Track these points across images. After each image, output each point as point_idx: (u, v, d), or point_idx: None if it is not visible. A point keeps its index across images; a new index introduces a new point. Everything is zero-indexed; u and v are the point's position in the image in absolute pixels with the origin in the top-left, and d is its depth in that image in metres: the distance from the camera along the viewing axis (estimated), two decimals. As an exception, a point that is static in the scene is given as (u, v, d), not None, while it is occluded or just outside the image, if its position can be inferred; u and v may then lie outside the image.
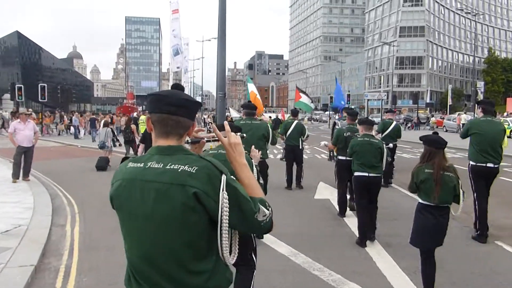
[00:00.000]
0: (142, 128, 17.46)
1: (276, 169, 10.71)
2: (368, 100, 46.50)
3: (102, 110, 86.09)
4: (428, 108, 69.99)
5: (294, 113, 11.21)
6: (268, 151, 7.48)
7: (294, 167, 10.36)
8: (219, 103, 11.61)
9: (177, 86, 1.92)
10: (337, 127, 10.23)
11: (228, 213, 1.64)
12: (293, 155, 10.32)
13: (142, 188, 1.69)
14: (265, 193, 7.09)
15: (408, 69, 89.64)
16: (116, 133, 22.36)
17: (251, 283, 3.72)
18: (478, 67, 62.96)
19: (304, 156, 11.02)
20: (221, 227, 1.66)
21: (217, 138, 1.91)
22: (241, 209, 1.67)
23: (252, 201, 1.71)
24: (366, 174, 6.07)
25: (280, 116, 24.45)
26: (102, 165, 13.38)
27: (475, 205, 6.51)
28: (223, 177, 1.66)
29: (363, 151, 6.10)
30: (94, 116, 29.44)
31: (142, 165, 1.73)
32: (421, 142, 4.49)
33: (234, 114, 31.27)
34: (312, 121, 67.04)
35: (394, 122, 11.05)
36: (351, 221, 7.12)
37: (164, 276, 1.69)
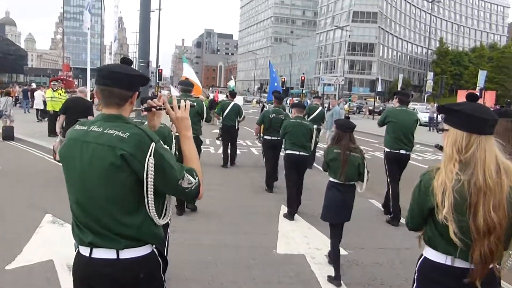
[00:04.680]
0: (49, 105, 15.52)
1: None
2: (324, 84, 44.34)
3: (36, 81, 77.70)
4: (378, 97, 69.09)
5: (232, 94, 11.48)
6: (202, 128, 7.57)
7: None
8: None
9: (124, 60, 2.07)
10: (265, 109, 10.91)
11: (153, 176, 1.85)
12: (229, 135, 10.68)
13: (81, 147, 1.93)
14: None
15: (360, 56, 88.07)
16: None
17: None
18: (427, 59, 62.97)
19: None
20: (147, 188, 1.87)
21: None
22: (165, 174, 1.88)
23: (179, 169, 1.93)
24: (297, 152, 6.70)
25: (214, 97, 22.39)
26: (9, 134, 13.31)
27: (388, 189, 6.89)
28: (152, 144, 1.87)
29: (295, 131, 6.72)
30: (26, 87, 29.42)
31: (85, 128, 1.97)
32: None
33: (175, 93, 27.79)
34: (260, 103, 64.71)
35: (320, 108, 11.57)
36: None
37: (97, 223, 1.92)
